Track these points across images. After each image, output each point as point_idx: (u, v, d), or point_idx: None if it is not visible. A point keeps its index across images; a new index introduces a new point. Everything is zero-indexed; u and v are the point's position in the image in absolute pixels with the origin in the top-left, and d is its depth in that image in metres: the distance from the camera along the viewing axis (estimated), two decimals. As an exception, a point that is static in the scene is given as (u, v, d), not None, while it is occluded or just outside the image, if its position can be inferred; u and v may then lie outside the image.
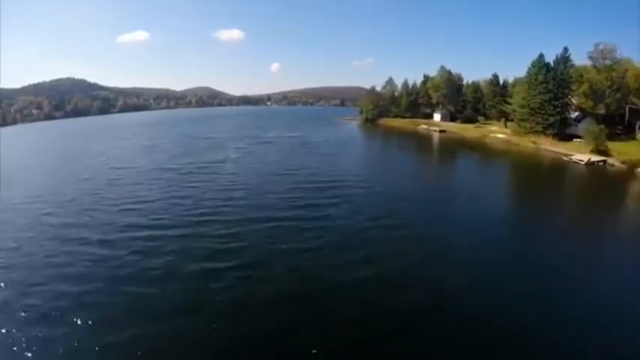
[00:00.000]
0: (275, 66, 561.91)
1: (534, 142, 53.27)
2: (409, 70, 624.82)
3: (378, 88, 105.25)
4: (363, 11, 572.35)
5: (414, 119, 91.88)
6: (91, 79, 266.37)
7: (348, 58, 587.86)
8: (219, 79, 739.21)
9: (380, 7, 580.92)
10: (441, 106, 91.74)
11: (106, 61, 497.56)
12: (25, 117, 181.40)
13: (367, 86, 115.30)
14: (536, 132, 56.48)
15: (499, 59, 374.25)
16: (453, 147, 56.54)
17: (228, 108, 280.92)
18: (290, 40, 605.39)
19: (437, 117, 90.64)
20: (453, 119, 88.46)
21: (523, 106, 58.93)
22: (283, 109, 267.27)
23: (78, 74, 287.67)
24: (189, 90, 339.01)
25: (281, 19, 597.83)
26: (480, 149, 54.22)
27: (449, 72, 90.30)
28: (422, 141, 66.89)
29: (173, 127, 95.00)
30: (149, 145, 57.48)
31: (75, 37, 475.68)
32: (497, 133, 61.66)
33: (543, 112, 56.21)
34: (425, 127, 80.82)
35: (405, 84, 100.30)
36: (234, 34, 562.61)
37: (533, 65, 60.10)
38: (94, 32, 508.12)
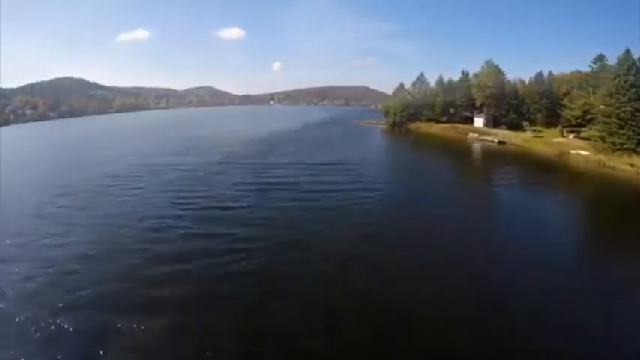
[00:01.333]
0: (277, 65, 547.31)
1: (632, 165, 41.91)
2: (410, 70, 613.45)
3: (407, 86, 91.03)
4: (363, 10, 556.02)
5: (453, 124, 79.35)
6: (91, 79, 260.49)
7: (350, 56, 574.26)
8: (221, 78, 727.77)
9: (380, 6, 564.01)
10: (486, 109, 77.10)
11: (106, 60, 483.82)
12: (18, 117, 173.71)
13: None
14: (626, 149, 45.39)
15: (501, 59, 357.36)
16: (533, 171, 43.28)
17: (229, 107, 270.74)
18: (290, 39, 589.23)
19: (478, 122, 77.57)
20: (495, 124, 77.08)
21: (609, 116, 47.71)
22: (287, 108, 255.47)
23: (78, 74, 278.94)
24: (190, 89, 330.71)
25: (281, 17, 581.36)
26: (571, 176, 41.91)
27: (497, 67, 75.22)
28: (487, 158, 53.50)
29: (136, 145, 64.48)
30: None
31: (75, 36, 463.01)
32: (579, 149, 49.98)
33: (634, 123, 45.32)
34: (475, 135, 66.95)
35: (440, 81, 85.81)
36: (234, 32, 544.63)
37: (619, 63, 48.81)
38: (94, 32, 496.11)
